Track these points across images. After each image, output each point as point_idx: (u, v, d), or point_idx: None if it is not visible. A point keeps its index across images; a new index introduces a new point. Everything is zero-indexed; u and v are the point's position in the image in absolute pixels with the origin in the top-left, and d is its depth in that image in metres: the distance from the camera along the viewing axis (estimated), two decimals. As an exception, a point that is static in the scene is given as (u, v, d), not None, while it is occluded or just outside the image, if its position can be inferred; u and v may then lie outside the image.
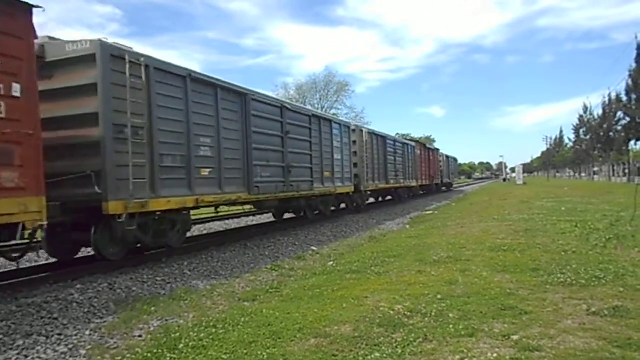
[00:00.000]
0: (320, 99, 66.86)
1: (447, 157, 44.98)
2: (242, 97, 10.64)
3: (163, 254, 8.96)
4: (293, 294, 6.56)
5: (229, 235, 12.24)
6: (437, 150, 40.55)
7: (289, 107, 13.04)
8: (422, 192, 33.82)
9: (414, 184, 29.06)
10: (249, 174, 10.59)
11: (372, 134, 20.91)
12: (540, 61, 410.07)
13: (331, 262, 9.06)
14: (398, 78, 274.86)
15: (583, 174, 70.98)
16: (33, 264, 8.48)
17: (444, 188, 43.66)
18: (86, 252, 8.91)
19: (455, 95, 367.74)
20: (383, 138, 22.72)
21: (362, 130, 19.77)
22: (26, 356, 4.41)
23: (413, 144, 30.15)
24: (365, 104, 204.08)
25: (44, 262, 8.61)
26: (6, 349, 4.50)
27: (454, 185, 56.68)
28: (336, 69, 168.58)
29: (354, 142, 18.74)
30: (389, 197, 26.56)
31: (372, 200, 23.85)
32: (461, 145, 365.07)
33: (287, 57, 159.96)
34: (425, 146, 34.30)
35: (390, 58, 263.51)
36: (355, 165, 18.72)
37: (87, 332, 5.07)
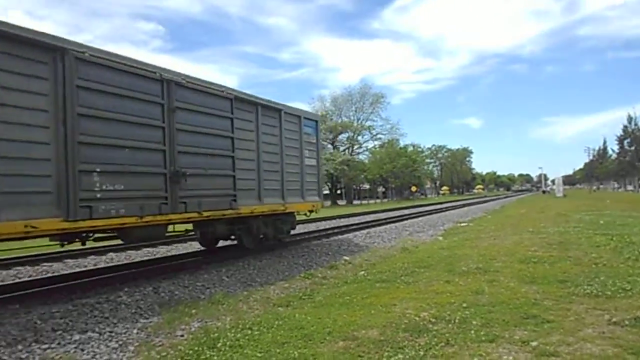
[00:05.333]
0: (356, 111, 67.62)
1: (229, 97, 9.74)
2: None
3: (202, 262, 9.43)
4: (324, 301, 6.88)
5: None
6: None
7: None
8: None
9: None
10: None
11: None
12: (581, 70, 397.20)
13: (362, 272, 9.31)
14: (433, 89, 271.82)
15: (629, 186, 68.41)
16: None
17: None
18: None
19: (492, 106, 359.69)
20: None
21: None
22: (82, 350, 4.90)
23: None
24: (400, 115, 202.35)
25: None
26: (65, 342, 5.01)
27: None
28: (372, 80, 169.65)
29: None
30: None
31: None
32: (500, 156, 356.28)
33: (322, 70, 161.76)
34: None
35: (425, 69, 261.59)
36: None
37: (135, 331, 5.54)
